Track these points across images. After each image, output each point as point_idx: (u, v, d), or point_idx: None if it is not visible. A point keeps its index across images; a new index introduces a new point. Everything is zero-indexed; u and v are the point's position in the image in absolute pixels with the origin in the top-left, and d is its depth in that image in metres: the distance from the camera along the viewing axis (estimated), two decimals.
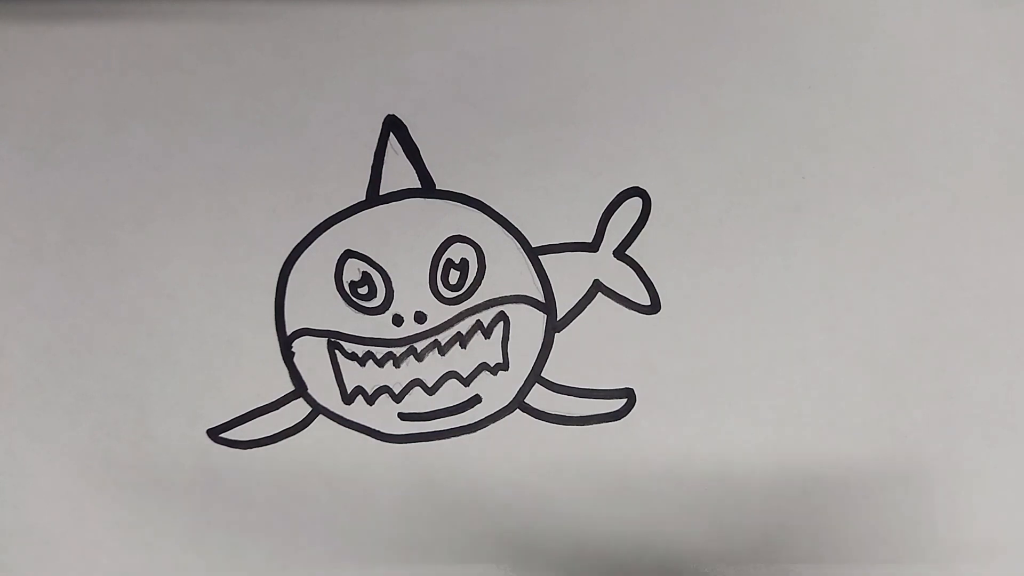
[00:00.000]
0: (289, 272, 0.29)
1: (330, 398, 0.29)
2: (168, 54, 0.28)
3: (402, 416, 0.29)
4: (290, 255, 0.29)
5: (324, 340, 0.29)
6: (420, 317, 0.29)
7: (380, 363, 0.29)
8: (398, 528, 0.29)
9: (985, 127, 0.28)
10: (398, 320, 0.29)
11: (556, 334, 0.29)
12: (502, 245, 0.28)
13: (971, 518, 0.28)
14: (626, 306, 0.28)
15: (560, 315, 0.29)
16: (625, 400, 0.28)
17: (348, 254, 0.29)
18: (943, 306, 0.28)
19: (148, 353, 0.29)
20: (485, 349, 0.29)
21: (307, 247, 0.29)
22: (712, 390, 0.28)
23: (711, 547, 0.28)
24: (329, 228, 0.29)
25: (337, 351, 0.29)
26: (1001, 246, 0.28)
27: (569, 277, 0.29)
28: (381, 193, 0.28)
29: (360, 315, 0.29)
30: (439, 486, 0.29)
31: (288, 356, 0.29)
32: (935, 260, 0.28)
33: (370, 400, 0.29)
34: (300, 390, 0.29)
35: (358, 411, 0.29)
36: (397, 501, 0.29)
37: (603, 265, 0.28)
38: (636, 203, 0.28)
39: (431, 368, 0.29)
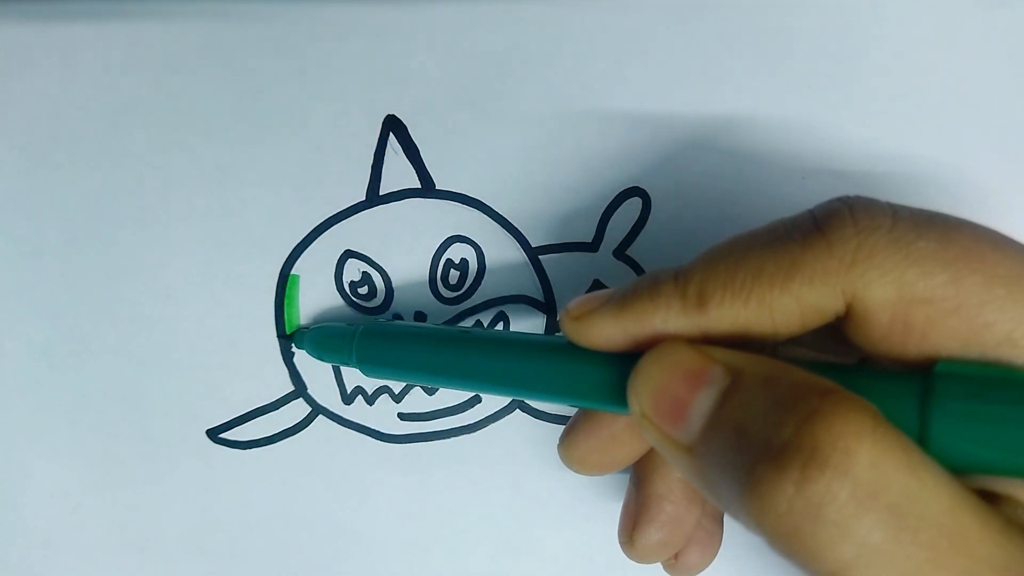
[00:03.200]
0: (289, 272, 0.29)
1: (330, 398, 0.29)
2: (168, 54, 0.28)
3: (402, 416, 0.29)
4: (290, 255, 0.29)
5: None
6: (420, 317, 0.29)
7: None
8: (398, 528, 0.29)
9: (985, 127, 0.28)
10: (398, 320, 0.29)
11: (556, 334, 0.29)
12: (502, 245, 0.29)
13: None
14: None
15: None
16: None
17: (348, 254, 0.29)
18: None
19: (148, 353, 0.29)
20: None
21: (307, 247, 0.29)
22: None
23: None
24: (329, 228, 0.29)
25: None
26: None
27: (569, 277, 0.29)
28: (381, 193, 0.28)
29: (360, 315, 0.29)
30: (439, 486, 0.29)
31: (288, 356, 0.29)
32: None
33: (370, 400, 0.29)
34: (300, 390, 0.29)
35: (358, 411, 0.29)
36: (397, 501, 0.29)
37: (603, 265, 0.28)
38: (636, 203, 0.28)
39: None
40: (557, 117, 0.28)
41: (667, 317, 0.18)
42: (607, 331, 0.19)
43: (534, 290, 0.29)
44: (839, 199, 0.18)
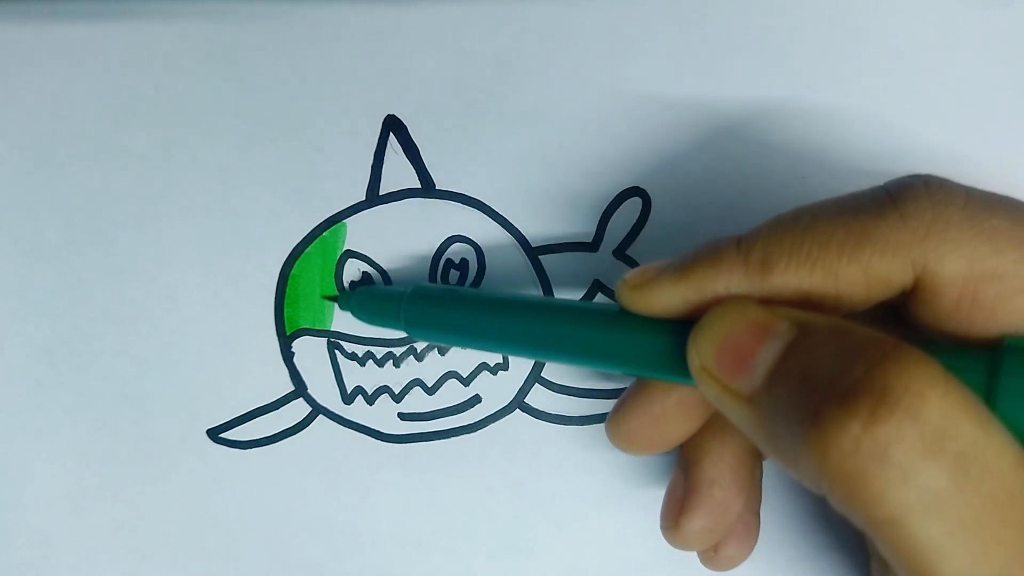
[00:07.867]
0: (289, 272, 0.29)
1: (330, 398, 0.29)
2: (168, 54, 0.28)
3: (402, 416, 0.29)
4: (290, 255, 0.29)
5: (324, 340, 0.29)
6: None
7: (380, 363, 0.29)
8: (398, 528, 0.29)
9: (986, 127, 0.28)
10: None
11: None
12: (502, 245, 0.29)
13: None
14: None
15: None
16: None
17: (348, 254, 0.29)
18: None
19: (148, 353, 0.29)
20: None
21: (307, 247, 0.29)
22: None
23: None
24: (329, 228, 0.29)
25: (337, 351, 0.29)
26: None
27: (569, 277, 0.29)
28: (381, 193, 0.28)
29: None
30: (439, 486, 0.29)
31: (288, 356, 0.29)
32: None
33: (370, 400, 0.29)
34: (300, 390, 0.29)
35: (358, 411, 0.29)
36: (397, 501, 0.29)
37: (603, 265, 0.28)
38: (636, 203, 0.28)
39: (431, 368, 0.29)
40: (557, 117, 0.28)
41: (729, 283, 0.18)
42: (666, 297, 0.19)
43: (534, 290, 0.29)
44: (913, 176, 0.18)
